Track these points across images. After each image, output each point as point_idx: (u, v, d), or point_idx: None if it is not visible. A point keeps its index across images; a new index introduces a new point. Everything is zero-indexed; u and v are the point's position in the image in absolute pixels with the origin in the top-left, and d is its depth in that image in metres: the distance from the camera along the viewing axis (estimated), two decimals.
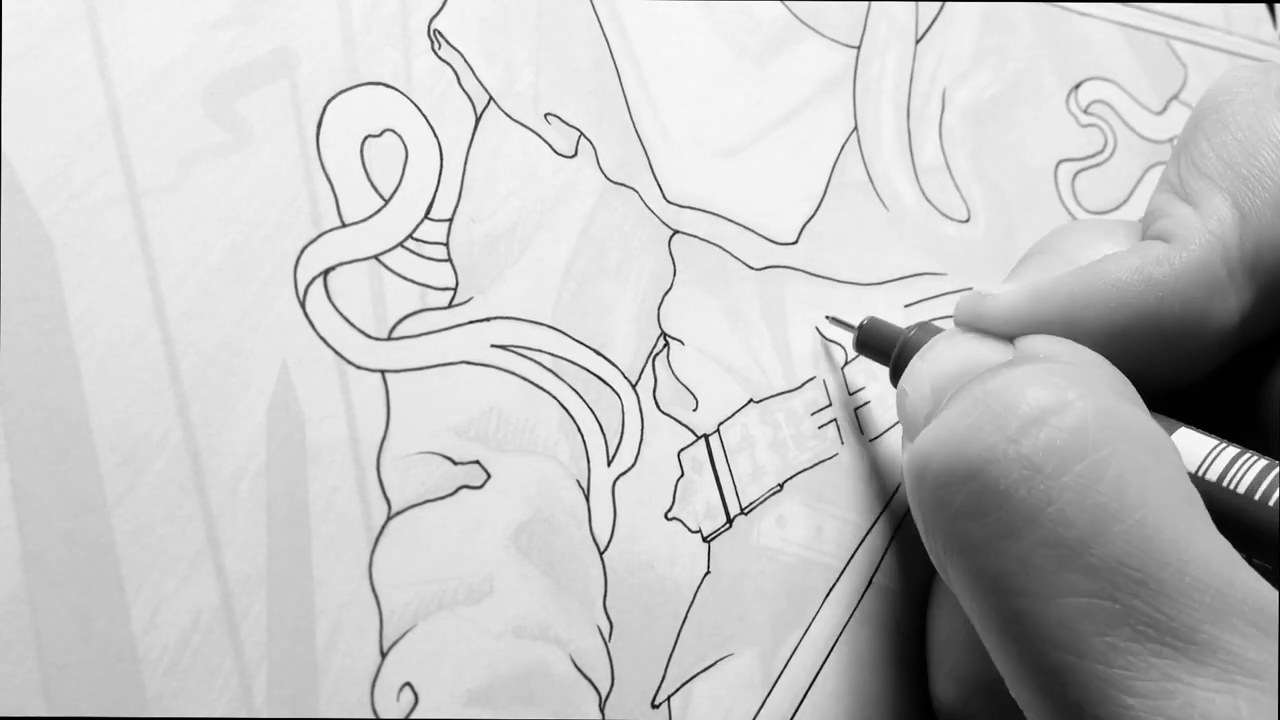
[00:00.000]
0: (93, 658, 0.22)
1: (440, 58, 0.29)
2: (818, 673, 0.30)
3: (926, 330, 0.29)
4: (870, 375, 0.33)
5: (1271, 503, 0.23)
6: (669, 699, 0.28)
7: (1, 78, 0.24)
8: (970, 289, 0.36)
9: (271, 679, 0.24)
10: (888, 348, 0.30)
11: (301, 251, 0.26)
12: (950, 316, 0.35)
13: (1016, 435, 0.22)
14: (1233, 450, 0.24)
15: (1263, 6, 0.45)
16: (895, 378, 0.29)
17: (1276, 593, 0.21)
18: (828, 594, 0.31)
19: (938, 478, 0.23)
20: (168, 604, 0.23)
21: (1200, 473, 0.24)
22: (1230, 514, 0.23)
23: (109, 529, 0.23)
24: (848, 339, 0.32)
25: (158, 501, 0.23)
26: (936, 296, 0.35)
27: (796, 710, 0.30)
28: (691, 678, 0.28)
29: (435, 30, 0.29)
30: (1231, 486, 0.24)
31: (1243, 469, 0.24)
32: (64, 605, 0.22)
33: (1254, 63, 0.28)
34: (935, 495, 0.23)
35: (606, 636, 0.28)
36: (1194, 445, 0.24)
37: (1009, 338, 0.26)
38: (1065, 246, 0.28)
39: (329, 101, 0.27)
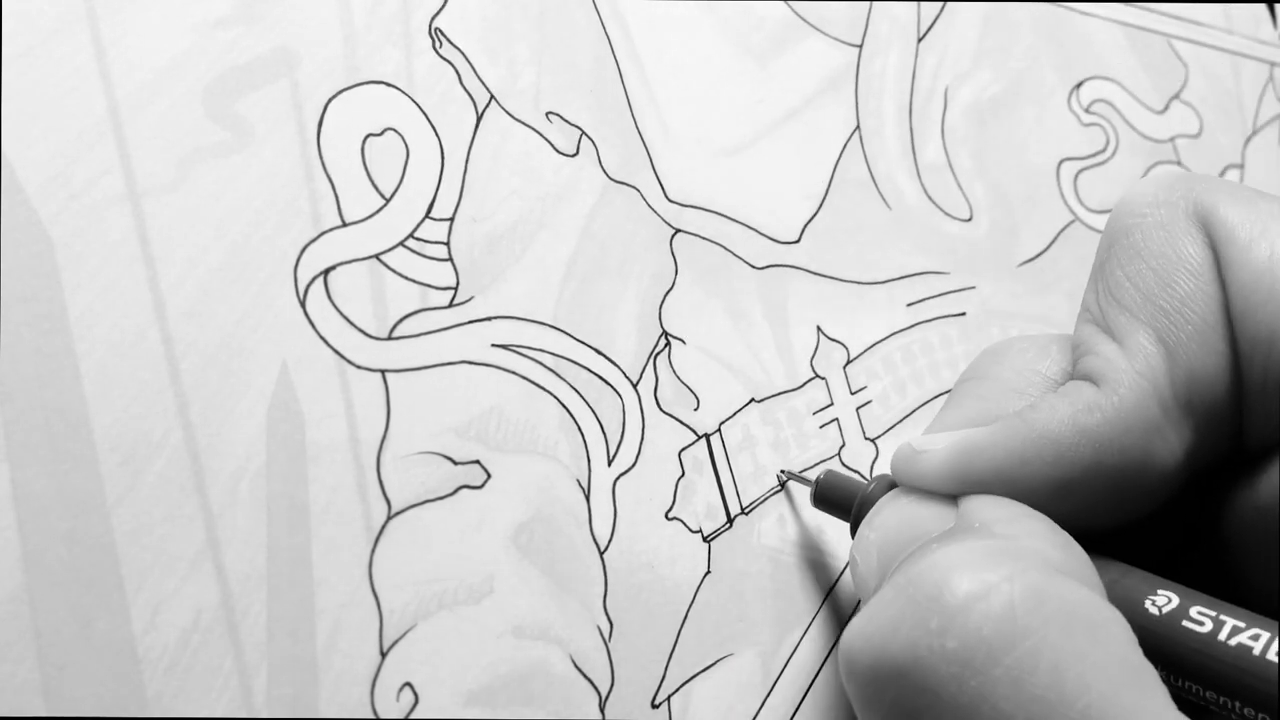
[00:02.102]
0: (93, 658, 0.22)
1: (442, 56, 0.29)
2: (818, 672, 0.30)
3: (882, 486, 0.28)
4: (871, 374, 0.33)
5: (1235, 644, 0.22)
6: (669, 699, 0.28)
7: (1, 77, 0.24)
8: (969, 287, 0.36)
9: (271, 679, 0.24)
10: (847, 504, 0.29)
11: (302, 251, 0.26)
12: (952, 316, 0.35)
13: (940, 629, 0.21)
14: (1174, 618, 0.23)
15: (1263, 6, 0.45)
16: (855, 532, 0.28)
17: None
18: (828, 593, 0.31)
19: (865, 676, 0.21)
20: (168, 604, 0.23)
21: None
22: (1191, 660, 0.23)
23: (109, 529, 0.23)
24: (805, 492, 0.31)
25: (158, 501, 0.23)
26: (939, 295, 0.35)
27: (796, 710, 0.30)
28: (691, 677, 0.28)
29: (436, 29, 0.29)
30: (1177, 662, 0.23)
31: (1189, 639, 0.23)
32: (64, 605, 0.22)
33: (1163, 174, 0.27)
34: (864, 693, 0.22)
35: (606, 636, 0.28)
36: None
37: (953, 496, 0.25)
38: (999, 373, 0.28)
39: (330, 100, 0.27)
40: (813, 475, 0.30)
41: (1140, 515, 0.25)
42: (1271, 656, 0.22)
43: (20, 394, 0.23)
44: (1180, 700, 0.21)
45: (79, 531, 0.23)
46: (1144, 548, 0.26)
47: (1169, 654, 0.23)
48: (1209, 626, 0.23)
